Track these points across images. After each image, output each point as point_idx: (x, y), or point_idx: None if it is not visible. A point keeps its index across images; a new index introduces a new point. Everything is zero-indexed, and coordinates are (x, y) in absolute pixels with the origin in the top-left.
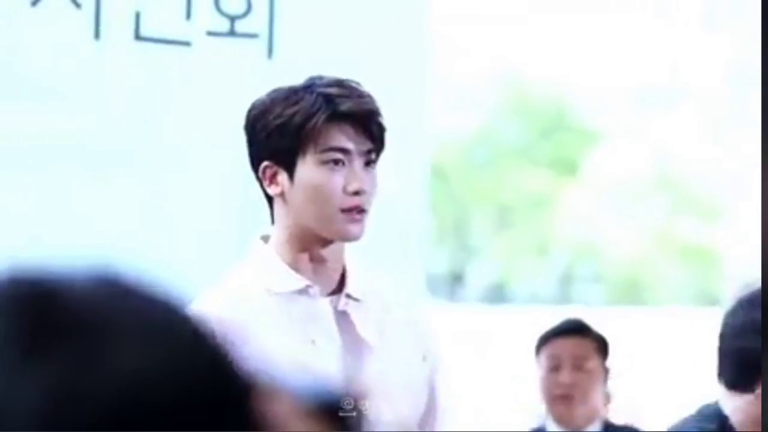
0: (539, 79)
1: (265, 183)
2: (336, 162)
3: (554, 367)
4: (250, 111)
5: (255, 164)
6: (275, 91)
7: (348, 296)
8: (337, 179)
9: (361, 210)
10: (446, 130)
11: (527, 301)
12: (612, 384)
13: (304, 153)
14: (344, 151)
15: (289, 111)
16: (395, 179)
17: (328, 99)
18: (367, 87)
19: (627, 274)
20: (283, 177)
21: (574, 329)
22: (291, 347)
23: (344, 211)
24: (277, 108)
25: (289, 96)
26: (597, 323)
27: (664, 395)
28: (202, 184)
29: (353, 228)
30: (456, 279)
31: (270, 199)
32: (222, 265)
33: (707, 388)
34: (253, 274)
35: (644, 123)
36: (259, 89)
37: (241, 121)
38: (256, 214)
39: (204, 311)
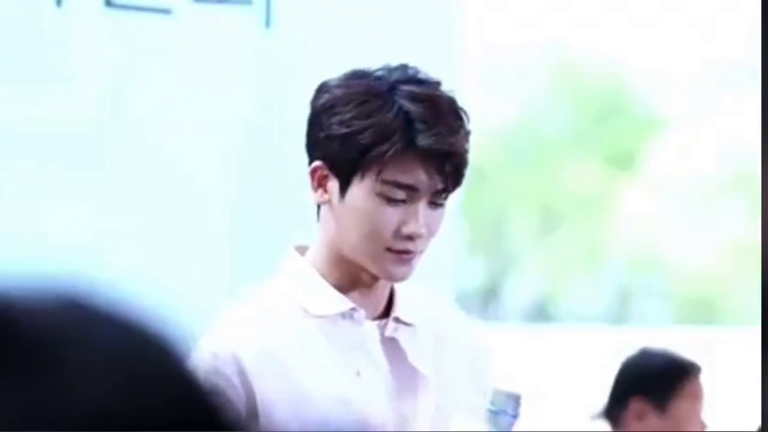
0: (592, 55)
1: (313, 183)
2: (396, 200)
3: (697, 409)
4: (319, 91)
5: (308, 153)
6: (353, 75)
7: (397, 320)
8: (392, 216)
9: (411, 252)
10: (480, 118)
11: (576, 320)
12: None
13: (363, 175)
14: (411, 188)
15: (360, 123)
16: None
17: (408, 121)
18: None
19: (697, 290)
20: (333, 186)
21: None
22: (333, 378)
23: (392, 251)
24: (348, 109)
25: (367, 98)
26: (660, 346)
27: (741, 427)
28: (187, 177)
29: (399, 270)
30: (492, 294)
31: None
32: (213, 269)
33: None
34: (288, 292)
35: (719, 109)
36: (254, 65)
37: (233, 102)
38: (251, 211)
39: (232, 334)
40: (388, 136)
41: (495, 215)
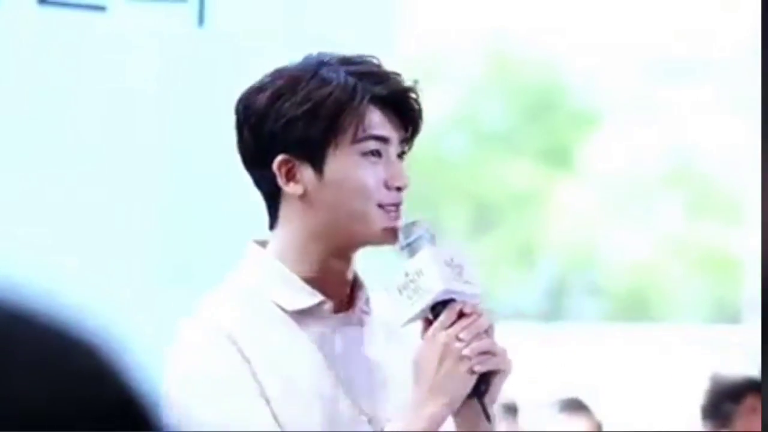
0: (527, 50)
1: (281, 180)
2: (374, 153)
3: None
4: (250, 96)
5: (259, 160)
6: (281, 70)
7: (362, 311)
8: (378, 172)
9: (399, 207)
10: None
11: (510, 317)
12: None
13: (337, 143)
14: (384, 140)
15: (320, 93)
16: None
17: (360, 78)
18: None
19: (631, 286)
20: (306, 173)
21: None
22: (306, 370)
23: (382, 206)
24: (300, 88)
25: (312, 74)
26: (593, 342)
27: (674, 425)
28: (120, 177)
29: (393, 228)
30: None
31: (272, 200)
32: (142, 268)
33: None
34: (259, 287)
35: (654, 104)
36: (188, 63)
37: (166, 97)
38: (183, 209)
39: (222, 319)
40: (352, 93)
41: (428, 211)
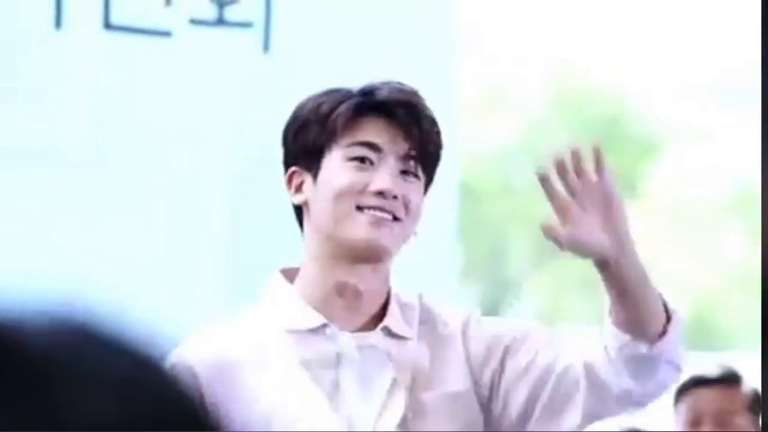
0: (592, 78)
1: (290, 191)
2: (363, 160)
3: (694, 422)
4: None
5: (287, 174)
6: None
7: (385, 330)
8: (361, 177)
9: (383, 210)
10: (478, 140)
11: None
12: None
13: (330, 149)
14: (374, 147)
15: (315, 102)
16: None
17: (364, 89)
18: None
19: (696, 315)
20: (308, 182)
21: (723, 379)
22: (312, 393)
23: (360, 208)
24: (308, 103)
25: (328, 92)
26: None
27: None
28: (185, 199)
29: (373, 233)
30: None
31: (300, 220)
32: (209, 287)
33: None
34: (267, 311)
35: (717, 131)
36: (252, 88)
37: (231, 124)
38: (248, 234)
39: (193, 348)
40: (342, 100)
41: (493, 239)
